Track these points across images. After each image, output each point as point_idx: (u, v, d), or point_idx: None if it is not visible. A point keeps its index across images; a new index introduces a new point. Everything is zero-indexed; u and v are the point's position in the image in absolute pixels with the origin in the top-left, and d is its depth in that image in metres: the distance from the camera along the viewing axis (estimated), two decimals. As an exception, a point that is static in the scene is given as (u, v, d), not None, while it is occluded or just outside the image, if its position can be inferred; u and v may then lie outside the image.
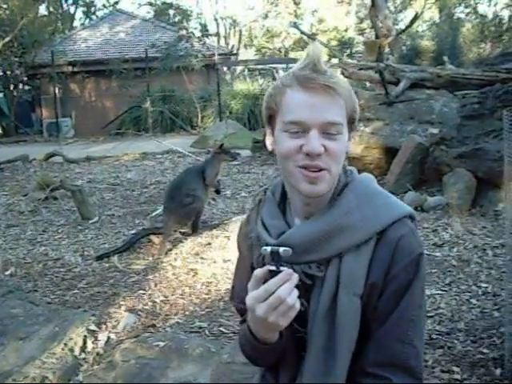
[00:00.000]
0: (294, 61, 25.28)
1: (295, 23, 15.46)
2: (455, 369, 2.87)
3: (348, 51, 15.17)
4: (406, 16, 30.63)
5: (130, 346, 3.11)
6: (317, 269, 1.38)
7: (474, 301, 3.64)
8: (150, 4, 28.13)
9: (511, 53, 10.45)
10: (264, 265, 1.33)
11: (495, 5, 23.77)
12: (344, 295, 1.35)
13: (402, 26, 27.57)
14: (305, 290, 1.37)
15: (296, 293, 1.26)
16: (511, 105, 5.87)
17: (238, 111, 15.68)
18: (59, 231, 5.96)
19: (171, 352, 2.98)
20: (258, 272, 1.31)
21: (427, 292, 3.58)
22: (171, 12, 26.65)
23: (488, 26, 16.83)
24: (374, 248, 1.35)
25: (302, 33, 15.69)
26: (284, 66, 23.41)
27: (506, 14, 18.22)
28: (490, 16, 18.31)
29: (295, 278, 1.27)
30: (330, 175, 1.34)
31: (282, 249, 1.28)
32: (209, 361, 2.91)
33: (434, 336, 3.21)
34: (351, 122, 1.38)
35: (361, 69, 8.44)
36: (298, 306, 1.26)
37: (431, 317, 3.43)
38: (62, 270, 4.84)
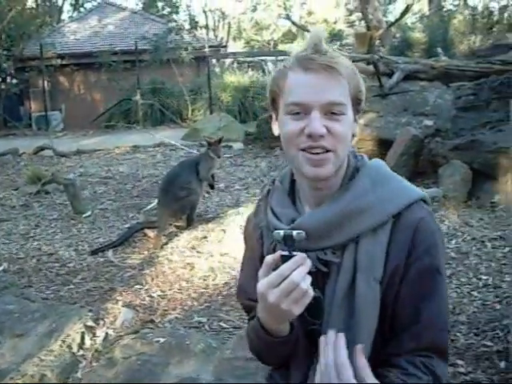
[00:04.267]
0: (284, 53, 25.13)
1: (287, 15, 15.37)
2: (459, 362, 2.84)
3: (338, 43, 15.12)
4: (396, 8, 30.67)
5: (130, 342, 3.06)
6: (332, 255, 1.35)
7: (475, 293, 3.62)
8: (138, -3, 27.91)
9: (503, 44, 10.45)
10: (276, 252, 1.28)
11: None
12: (363, 281, 1.31)
13: (390, 18, 27.64)
14: (319, 278, 1.34)
15: (309, 279, 1.22)
16: (507, 96, 5.88)
17: (228, 104, 15.57)
18: (52, 225, 5.88)
19: (172, 348, 2.93)
20: (269, 258, 1.27)
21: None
22: (160, 4, 26.47)
23: (478, 18, 16.85)
24: (392, 231, 1.32)
25: (294, 24, 15.64)
26: (273, 58, 23.41)
27: (496, 5, 18.37)
28: (480, 8, 18.40)
29: (309, 262, 1.24)
30: (335, 157, 1.31)
31: (295, 232, 1.25)
32: (211, 357, 2.86)
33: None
34: (356, 103, 1.35)
35: (354, 60, 8.36)
36: (311, 292, 1.22)
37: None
38: (56, 265, 4.77)
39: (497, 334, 3.09)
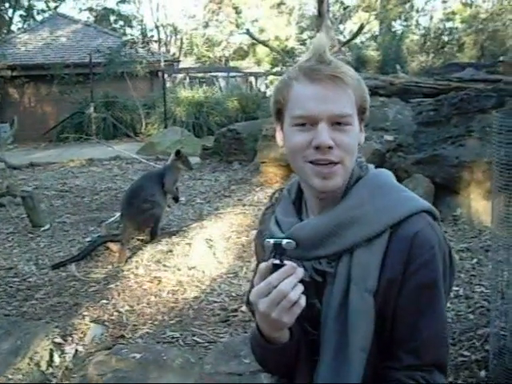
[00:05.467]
0: (237, 69, 25.38)
1: (248, 29, 15.41)
2: (439, 372, 2.84)
3: (291, 60, 15.29)
4: (346, 28, 31.26)
5: (104, 358, 2.94)
6: (327, 265, 1.31)
7: (447, 304, 3.63)
8: (91, 10, 27.60)
9: (456, 63, 10.76)
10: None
11: (431, 18, 24.58)
12: (356, 292, 1.28)
13: (340, 37, 28.12)
14: (317, 288, 1.31)
15: (300, 288, 1.18)
16: (467, 112, 6.02)
17: (182, 118, 15.49)
18: (9, 239, 5.66)
19: (149, 364, 2.83)
20: (262, 266, 1.23)
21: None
22: (112, 18, 26.28)
23: (430, 38, 17.33)
24: (388, 242, 1.28)
25: (255, 39, 15.70)
26: (225, 74, 23.47)
27: (447, 25, 18.94)
28: (432, 29, 18.94)
29: (300, 272, 1.20)
30: (343, 169, 1.28)
31: (285, 241, 1.21)
32: (190, 372, 2.78)
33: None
34: (361, 112, 1.33)
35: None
36: (302, 302, 1.18)
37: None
38: (15, 279, 4.58)
39: (473, 343, 3.11)
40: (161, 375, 2.72)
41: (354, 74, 1.31)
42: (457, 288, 3.85)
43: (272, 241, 1.23)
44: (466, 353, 3.02)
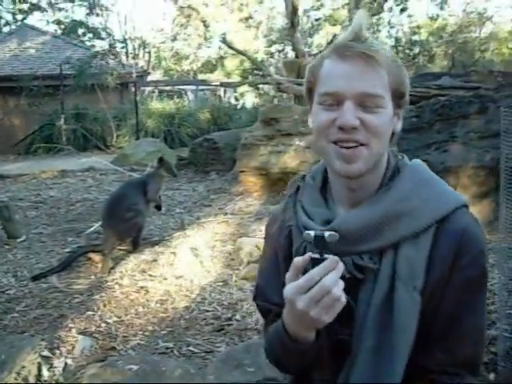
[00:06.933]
0: (207, 83, 25.31)
1: (224, 38, 15.32)
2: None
3: (261, 72, 15.27)
4: (313, 41, 31.46)
5: (98, 371, 2.77)
6: (370, 260, 1.21)
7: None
8: (58, 23, 27.17)
9: (430, 73, 10.86)
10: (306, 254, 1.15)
11: (398, 32, 24.93)
12: (403, 290, 1.18)
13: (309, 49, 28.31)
14: (352, 285, 1.19)
15: (342, 284, 1.09)
16: (449, 118, 6.02)
17: (153, 130, 15.32)
18: (-16, 251, 5.43)
19: (147, 375, 2.68)
20: (298, 260, 1.13)
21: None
22: (80, 31, 25.94)
23: (401, 49, 17.53)
24: (435, 237, 1.19)
25: (232, 48, 15.63)
26: (194, 87, 23.37)
27: (414, 38, 19.18)
28: (403, 40, 19.19)
29: (341, 266, 1.11)
30: (368, 152, 1.19)
31: (327, 233, 1.11)
32: (191, 383, 2.63)
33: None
34: (398, 97, 1.22)
35: (298, 84, 8.42)
36: (344, 299, 1.09)
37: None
38: (-6, 292, 4.37)
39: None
40: (161, 387, 2.57)
41: (389, 55, 1.22)
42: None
43: (313, 233, 1.13)
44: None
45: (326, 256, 1.10)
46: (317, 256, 1.11)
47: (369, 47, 1.17)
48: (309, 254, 1.12)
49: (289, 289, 1.12)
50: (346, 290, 1.12)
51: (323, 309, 1.09)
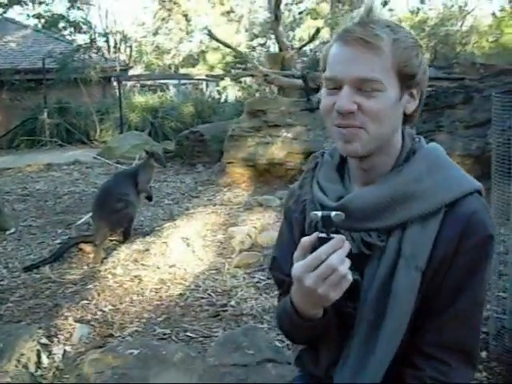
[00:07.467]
0: (189, 76, 25.23)
1: (209, 31, 15.25)
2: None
3: (244, 65, 15.20)
4: (295, 35, 31.50)
5: (99, 356, 2.79)
6: (377, 238, 1.25)
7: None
8: (39, 17, 26.89)
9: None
10: (316, 231, 1.18)
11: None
12: (403, 269, 1.22)
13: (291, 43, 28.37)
14: (359, 261, 1.24)
15: (348, 262, 1.13)
16: (435, 108, 6.10)
17: (137, 124, 15.26)
18: (-26, 244, 5.40)
19: (148, 359, 2.70)
20: (306, 240, 1.17)
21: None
22: (61, 25, 25.72)
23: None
24: (443, 221, 1.22)
25: (218, 41, 15.57)
26: (176, 82, 23.29)
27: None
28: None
29: (347, 245, 1.14)
30: (367, 134, 1.20)
31: (333, 213, 1.14)
32: (192, 366, 2.67)
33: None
34: (405, 78, 1.21)
35: (285, 76, 8.45)
36: (350, 276, 1.13)
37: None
38: (-14, 283, 4.36)
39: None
40: (162, 371, 2.60)
41: (400, 36, 1.20)
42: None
43: (320, 213, 1.16)
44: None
45: (333, 235, 1.14)
46: (324, 235, 1.14)
47: (370, 31, 1.17)
48: (316, 234, 1.16)
49: (296, 267, 1.15)
50: (354, 266, 1.16)
51: (330, 286, 1.12)
